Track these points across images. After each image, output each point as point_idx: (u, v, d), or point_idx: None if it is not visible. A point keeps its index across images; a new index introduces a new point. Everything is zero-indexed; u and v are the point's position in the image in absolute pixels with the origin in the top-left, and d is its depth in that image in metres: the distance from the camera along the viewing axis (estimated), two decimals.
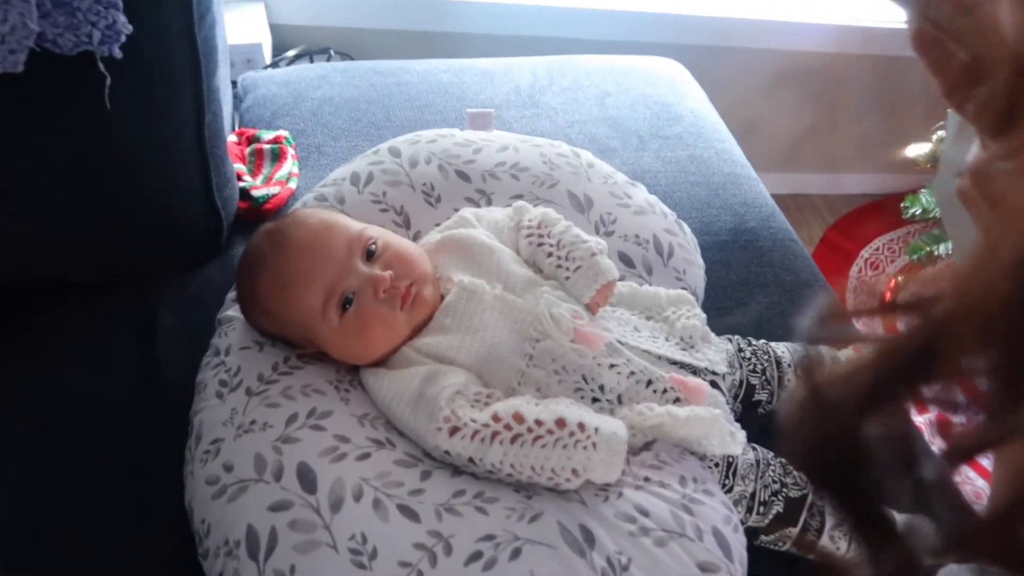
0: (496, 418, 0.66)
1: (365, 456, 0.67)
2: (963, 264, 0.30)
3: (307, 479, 0.65)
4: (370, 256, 0.76)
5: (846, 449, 0.34)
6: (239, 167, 1.07)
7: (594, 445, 0.66)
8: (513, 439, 0.65)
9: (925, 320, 0.30)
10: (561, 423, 0.66)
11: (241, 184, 1.04)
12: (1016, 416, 0.29)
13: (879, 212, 2.09)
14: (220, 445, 0.69)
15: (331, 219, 0.79)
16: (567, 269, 0.79)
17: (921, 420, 1.64)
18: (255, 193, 1.03)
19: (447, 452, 0.67)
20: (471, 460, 0.67)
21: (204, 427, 0.71)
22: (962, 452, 0.33)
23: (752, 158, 1.29)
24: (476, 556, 0.62)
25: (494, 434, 0.65)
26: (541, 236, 0.81)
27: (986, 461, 1.60)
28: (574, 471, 0.66)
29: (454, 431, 0.66)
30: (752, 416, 0.86)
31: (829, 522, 0.76)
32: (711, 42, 1.75)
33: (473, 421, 0.66)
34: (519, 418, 0.66)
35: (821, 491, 0.69)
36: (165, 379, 0.86)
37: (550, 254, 0.80)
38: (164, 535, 0.72)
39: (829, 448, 0.35)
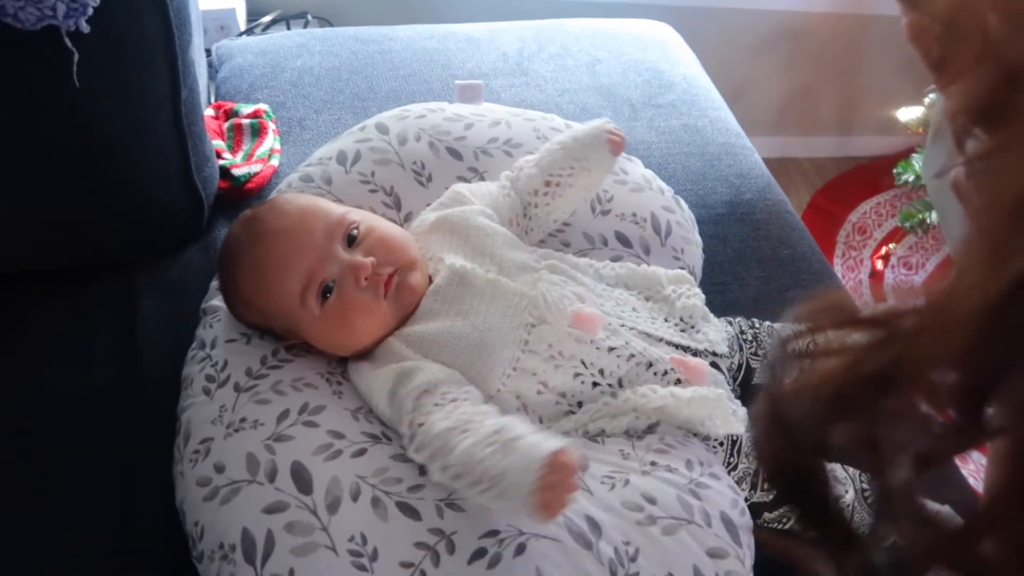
0: (430, 443, 0.62)
1: (361, 452, 0.65)
2: (937, 285, 0.30)
3: (302, 479, 0.63)
4: (352, 242, 0.72)
5: (811, 461, 0.35)
6: (218, 144, 1.02)
7: (500, 496, 0.57)
8: (443, 469, 0.60)
9: (892, 335, 0.31)
10: (467, 466, 0.58)
11: (221, 162, 1.00)
12: (971, 428, 0.30)
13: (866, 176, 2.08)
14: (210, 444, 0.66)
15: (310, 204, 0.75)
16: (569, 136, 0.85)
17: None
18: (236, 172, 0.99)
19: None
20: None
21: (192, 425, 0.68)
22: (924, 459, 0.33)
23: (739, 122, 1.26)
24: (480, 553, 0.60)
25: (430, 456, 0.61)
26: (536, 157, 0.85)
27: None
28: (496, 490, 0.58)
29: (412, 440, 0.63)
30: (752, 396, 0.85)
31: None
32: (698, 3, 1.70)
33: (424, 438, 0.62)
34: (445, 450, 0.60)
35: (787, 503, 0.69)
36: (148, 370, 0.83)
37: (552, 147, 0.85)
38: (155, 536, 0.70)
39: (794, 460, 0.35)
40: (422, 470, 0.65)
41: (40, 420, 0.77)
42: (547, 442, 0.57)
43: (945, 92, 0.35)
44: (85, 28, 0.75)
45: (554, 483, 0.55)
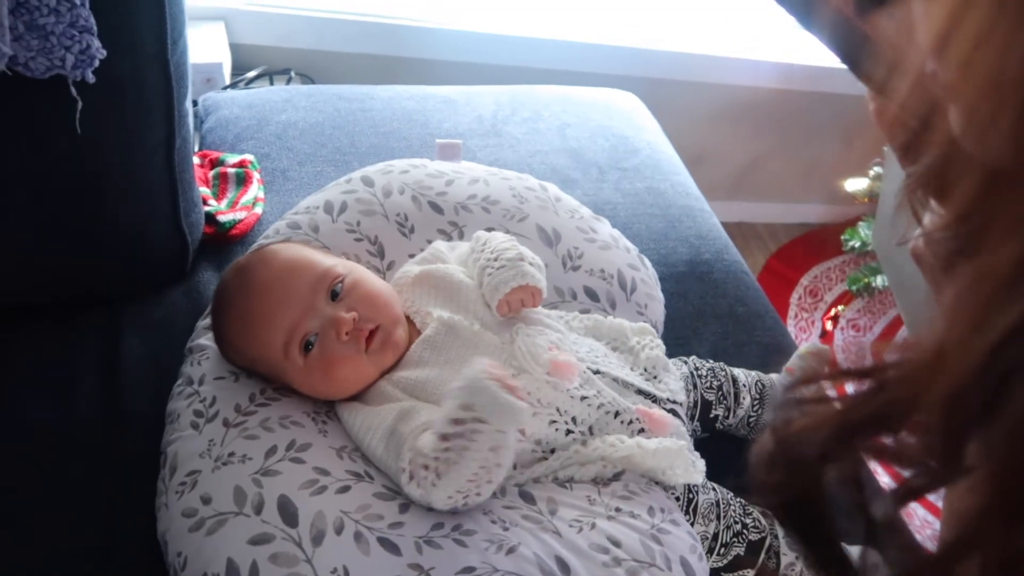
0: (416, 465, 0.66)
1: (345, 489, 0.68)
2: (917, 338, 0.36)
3: (288, 512, 0.65)
4: (335, 296, 0.76)
5: (808, 492, 0.40)
6: (204, 191, 1.06)
7: (477, 420, 0.64)
8: (438, 475, 0.65)
9: (880, 385, 0.36)
10: (444, 437, 0.65)
11: (206, 208, 1.03)
12: (951, 465, 0.35)
13: (818, 242, 2.18)
14: (197, 477, 0.69)
15: (298, 257, 0.79)
16: (491, 268, 0.80)
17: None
18: (221, 218, 1.03)
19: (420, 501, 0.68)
20: (431, 506, 0.68)
21: (179, 458, 0.71)
22: (907, 494, 0.38)
23: (699, 186, 1.34)
24: None
25: (424, 479, 0.66)
26: (481, 251, 0.83)
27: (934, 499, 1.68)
28: (493, 450, 0.65)
29: (412, 477, 0.67)
30: (715, 445, 0.90)
31: (783, 561, 0.80)
32: (663, 75, 1.81)
33: (414, 466, 0.67)
34: (423, 455, 0.66)
35: (786, 529, 0.74)
36: (130, 406, 0.85)
37: (480, 262, 0.82)
38: (136, 569, 0.71)
39: (793, 491, 0.40)
40: (402, 508, 0.68)
41: (21, 453, 0.78)
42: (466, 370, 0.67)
43: (907, 171, 0.41)
44: (91, 79, 0.80)
45: (497, 376, 0.65)
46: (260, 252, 0.81)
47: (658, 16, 1.83)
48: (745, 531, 0.79)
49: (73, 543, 0.73)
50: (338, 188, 0.95)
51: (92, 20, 0.78)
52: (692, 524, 0.78)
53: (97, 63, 0.80)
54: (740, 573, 0.79)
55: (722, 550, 0.78)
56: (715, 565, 0.78)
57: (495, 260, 0.81)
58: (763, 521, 0.81)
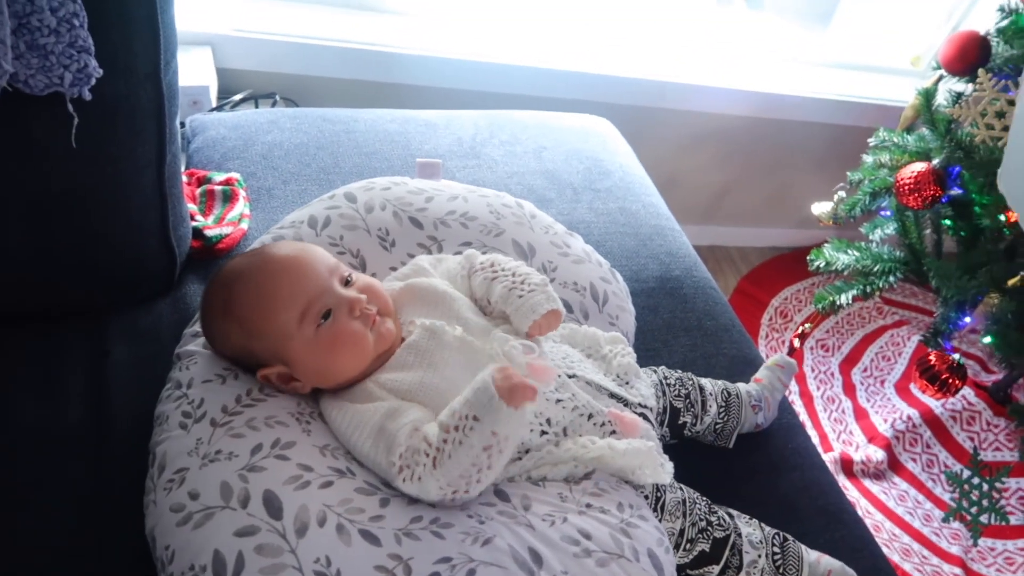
0: (419, 451, 0.70)
1: (328, 484, 0.71)
2: None
3: (273, 506, 0.68)
4: (347, 285, 0.81)
5: None
6: (191, 207, 1.10)
7: (475, 419, 0.68)
8: (435, 464, 0.69)
9: None
10: (444, 428, 0.70)
11: (193, 224, 1.07)
12: None
13: (788, 264, 2.25)
14: (185, 474, 0.71)
15: (311, 247, 0.84)
16: (522, 291, 0.84)
17: (826, 457, 1.77)
18: (208, 233, 1.06)
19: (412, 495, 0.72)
20: (420, 497, 0.72)
21: (168, 457, 0.74)
22: None
23: (672, 210, 1.40)
24: None
25: (421, 466, 0.70)
26: (495, 271, 0.87)
27: (883, 495, 1.73)
28: (486, 449, 0.69)
29: (401, 471, 0.71)
30: (682, 450, 0.94)
31: (746, 559, 0.83)
32: (637, 102, 1.87)
33: (413, 460, 0.71)
34: (428, 442, 0.70)
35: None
36: (117, 412, 0.87)
37: (504, 282, 0.86)
38: (126, 569, 0.73)
39: None
40: (383, 502, 0.72)
41: (11, 456, 0.81)
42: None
43: None
44: (87, 96, 0.83)
45: (506, 376, 0.68)
46: (269, 244, 0.85)
47: (633, 45, 1.90)
48: (710, 528, 0.83)
49: (63, 544, 0.75)
50: (322, 204, 0.99)
51: (90, 41, 0.82)
52: (660, 520, 0.81)
53: (94, 81, 0.83)
54: (705, 570, 0.82)
55: (688, 545, 0.82)
56: (681, 561, 0.82)
57: (523, 284, 0.85)
58: (728, 519, 0.85)
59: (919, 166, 1.50)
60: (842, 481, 1.76)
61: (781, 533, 0.88)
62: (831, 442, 1.86)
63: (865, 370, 2.03)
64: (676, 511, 0.83)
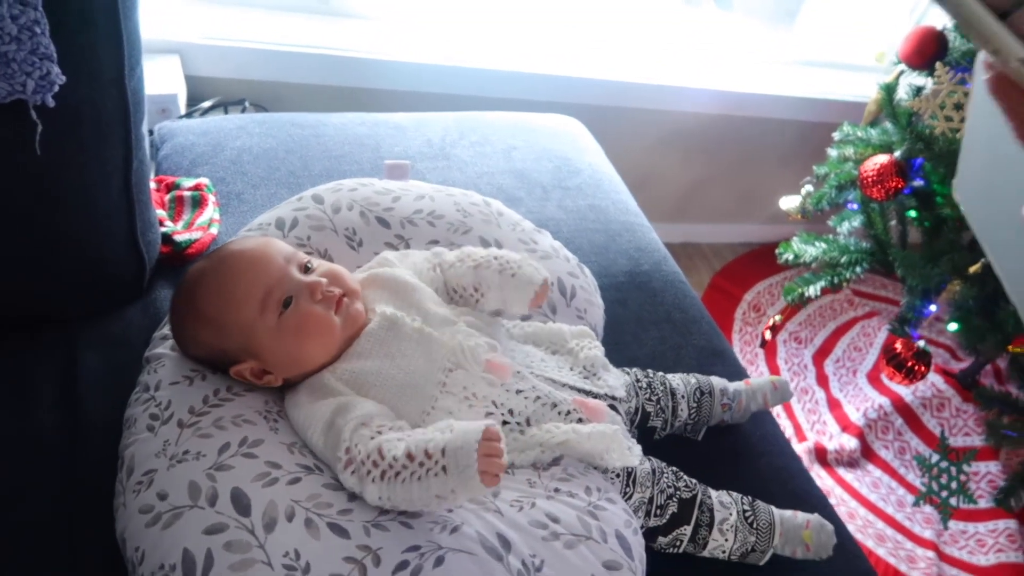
0: (368, 456, 0.70)
1: (296, 480, 0.72)
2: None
3: (241, 503, 0.69)
4: (307, 271, 0.82)
5: None
6: (160, 213, 1.10)
7: (443, 469, 0.66)
8: (382, 476, 0.69)
9: None
10: (410, 456, 0.68)
11: (163, 229, 1.07)
12: None
13: (759, 259, 2.28)
14: (153, 476, 0.72)
15: (268, 240, 0.85)
16: (513, 270, 0.87)
17: (800, 448, 1.79)
18: (177, 238, 1.06)
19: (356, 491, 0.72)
20: (361, 495, 0.71)
21: (136, 460, 0.74)
22: None
23: (645, 208, 1.42)
24: (403, 565, 0.68)
25: (367, 472, 0.69)
26: (475, 260, 0.89)
27: (856, 482, 1.76)
28: (438, 497, 0.67)
29: (347, 465, 0.71)
30: (649, 437, 0.96)
31: (718, 517, 0.85)
32: (606, 102, 1.90)
33: (360, 458, 0.70)
34: (381, 455, 0.69)
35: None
36: (89, 418, 0.87)
37: (490, 266, 0.88)
38: (96, 573, 0.74)
39: None
40: (351, 497, 0.73)
41: None
42: (477, 422, 0.68)
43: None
44: (51, 103, 0.84)
45: (491, 451, 0.66)
46: (228, 242, 0.86)
47: (602, 47, 1.93)
48: (678, 492, 0.85)
49: (36, 549, 0.75)
50: (289, 206, 1.00)
51: (52, 48, 0.82)
52: (631, 493, 0.83)
53: (57, 88, 0.84)
54: (678, 531, 0.84)
55: (658, 511, 0.84)
56: (655, 524, 0.84)
57: (508, 263, 0.88)
58: (695, 483, 0.87)
59: (882, 158, 1.53)
60: (816, 470, 1.78)
61: (750, 497, 0.90)
62: (805, 432, 1.89)
63: (838, 361, 2.06)
64: (646, 481, 0.84)
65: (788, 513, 0.91)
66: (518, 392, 0.82)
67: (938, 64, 1.47)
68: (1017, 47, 0.40)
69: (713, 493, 0.89)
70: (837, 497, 1.74)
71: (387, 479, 0.68)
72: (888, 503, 1.75)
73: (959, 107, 1.46)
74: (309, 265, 0.83)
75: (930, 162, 1.49)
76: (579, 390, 0.88)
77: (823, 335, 2.13)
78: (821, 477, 1.77)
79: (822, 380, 2.01)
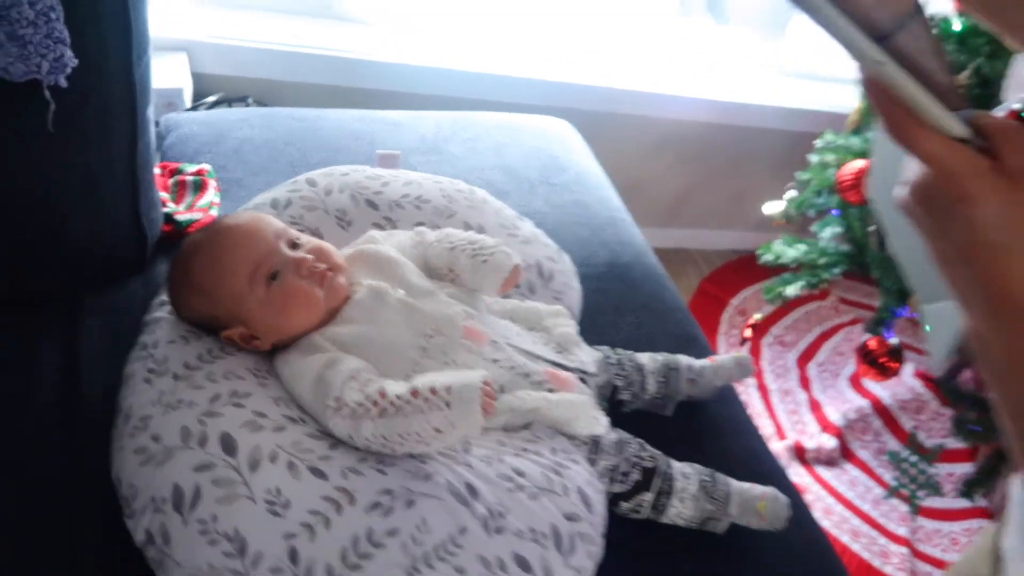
0: (367, 398, 0.77)
1: (281, 429, 0.78)
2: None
3: (229, 445, 0.75)
4: (295, 247, 0.88)
5: None
6: (163, 195, 1.17)
7: (447, 404, 0.74)
8: (380, 414, 0.75)
9: None
10: (415, 393, 0.75)
11: (165, 210, 1.13)
12: None
13: (747, 265, 2.34)
14: (148, 421, 0.78)
15: (260, 216, 0.92)
16: (485, 256, 0.93)
17: (779, 445, 1.84)
18: (179, 218, 1.13)
19: (344, 435, 0.78)
20: (351, 437, 0.77)
21: (133, 408, 0.80)
22: None
23: (637, 213, 1.47)
24: (376, 505, 0.73)
25: (365, 411, 0.76)
26: (452, 242, 0.95)
27: (834, 480, 1.80)
28: (437, 430, 0.75)
29: (338, 410, 0.77)
30: (619, 411, 1.01)
31: (678, 486, 0.90)
32: (599, 108, 1.96)
33: (353, 402, 0.77)
34: (383, 395, 0.76)
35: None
36: (90, 387, 0.92)
37: (465, 250, 0.94)
38: (95, 548, 0.78)
39: None
40: (332, 445, 0.78)
41: None
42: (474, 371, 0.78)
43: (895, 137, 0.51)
44: (64, 83, 0.90)
45: (488, 393, 0.75)
46: (222, 216, 0.92)
47: (597, 53, 2.00)
48: (642, 461, 0.90)
49: (37, 511, 0.80)
50: (284, 188, 1.07)
51: (66, 33, 0.89)
52: (597, 460, 0.88)
53: (69, 70, 0.91)
54: (640, 497, 0.89)
55: (622, 477, 0.89)
56: (619, 490, 0.88)
57: (482, 249, 0.94)
58: (659, 455, 0.92)
59: (859, 163, 1.59)
60: (796, 468, 1.83)
61: (711, 470, 0.95)
62: (786, 432, 1.93)
63: (820, 364, 2.11)
64: (611, 450, 0.89)
65: (746, 485, 0.95)
66: (494, 361, 0.88)
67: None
68: (872, 50, 0.47)
69: (676, 464, 0.94)
70: (815, 494, 1.79)
71: (387, 416, 0.75)
72: (864, 500, 1.79)
73: None
74: (297, 241, 0.89)
75: None
76: (551, 363, 0.93)
77: (807, 340, 2.18)
78: (800, 475, 1.82)
79: (804, 382, 2.06)
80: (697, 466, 0.95)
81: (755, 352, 2.10)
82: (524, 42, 1.95)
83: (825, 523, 1.72)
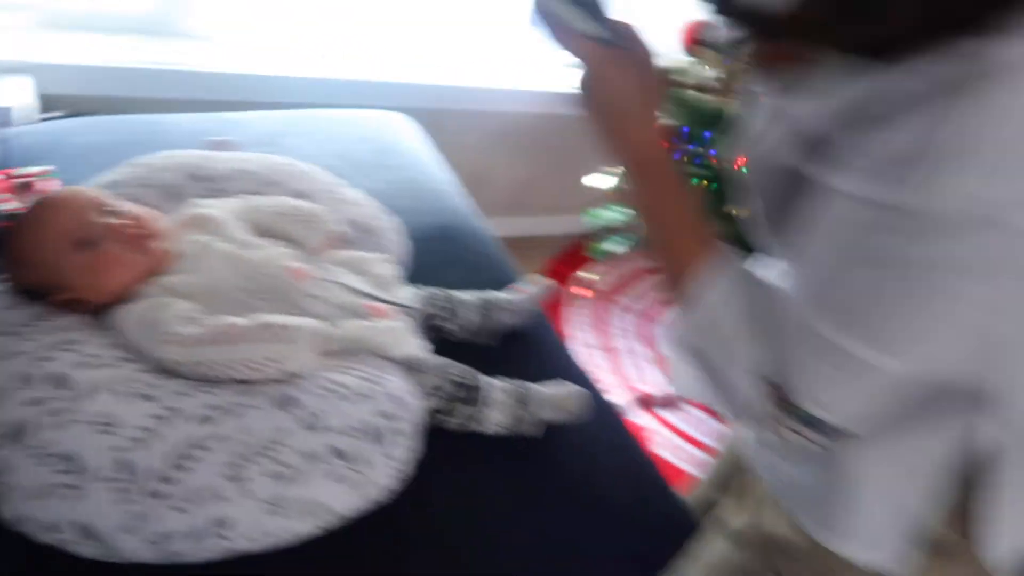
0: (212, 329, 0.88)
1: (112, 366, 0.87)
2: None
3: (60, 381, 0.83)
4: (113, 216, 0.97)
5: None
6: (3, 195, 1.23)
7: (278, 338, 0.89)
8: (214, 340, 0.87)
9: None
10: (254, 326, 0.90)
11: (4, 206, 1.20)
12: None
13: (583, 246, 2.55)
14: None
15: (79, 188, 1.00)
16: (307, 222, 1.09)
17: (629, 395, 2.02)
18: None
19: (175, 361, 0.88)
20: (179, 364, 0.87)
21: None
22: None
23: (482, 204, 1.59)
24: (204, 419, 0.83)
25: (211, 340, 0.87)
26: (280, 210, 1.11)
27: (677, 420, 2.00)
28: (266, 358, 0.88)
29: (173, 341, 0.88)
30: (443, 341, 1.13)
31: (493, 397, 1.02)
32: (437, 105, 2.10)
33: (191, 334, 0.88)
34: (233, 326, 0.88)
35: None
36: None
37: (288, 216, 1.09)
38: None
39: None
40: (162, 376, 0.88)
41: None
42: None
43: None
44: None
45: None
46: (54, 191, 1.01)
47: (429, 51, 2.14)
48: (459, 378, 1.02)
49: None
50: (121, 169, 1.16)
51: None
52: (418, 379, 0.99)
53: None
54: (458, 409, 1.01)
55: (444, 393, 1.00)
56: (439, 405, 1.00)
57: (302, 213, 1.10)
58: (474, 372, 1.04)
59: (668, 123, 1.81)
60: (642, 414, 2.02)
61: (520, 379, 1.07)
62: (635, 385, 2.13)
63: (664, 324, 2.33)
64: (432, 370, 1.01)
65: (551, 385, 1.09)
66: (315, 297, 1.00)
67: (699, 47, 1.76)
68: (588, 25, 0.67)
69: (490, 379, 1.07)
70: (663, 437, 1.98)
71: (221, 344, 0.87)
72: (705, 436, 2.00)
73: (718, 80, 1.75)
74: (115, 210, 0.98)
75: (692, 127, 1.77)
76: (373, 298, 1.06)
77: (650, 303, 2.41)
78: (648, 422, 2.01)
79: (648, 342, 2.27)
80: (507, 378, 1.09)
81: (603, 316, 2.30)
82: (361, 46, 2.08)
83: (670, 456, 1.91)
